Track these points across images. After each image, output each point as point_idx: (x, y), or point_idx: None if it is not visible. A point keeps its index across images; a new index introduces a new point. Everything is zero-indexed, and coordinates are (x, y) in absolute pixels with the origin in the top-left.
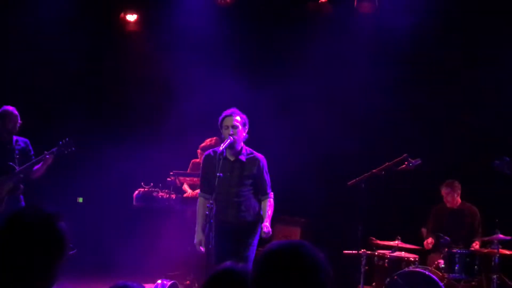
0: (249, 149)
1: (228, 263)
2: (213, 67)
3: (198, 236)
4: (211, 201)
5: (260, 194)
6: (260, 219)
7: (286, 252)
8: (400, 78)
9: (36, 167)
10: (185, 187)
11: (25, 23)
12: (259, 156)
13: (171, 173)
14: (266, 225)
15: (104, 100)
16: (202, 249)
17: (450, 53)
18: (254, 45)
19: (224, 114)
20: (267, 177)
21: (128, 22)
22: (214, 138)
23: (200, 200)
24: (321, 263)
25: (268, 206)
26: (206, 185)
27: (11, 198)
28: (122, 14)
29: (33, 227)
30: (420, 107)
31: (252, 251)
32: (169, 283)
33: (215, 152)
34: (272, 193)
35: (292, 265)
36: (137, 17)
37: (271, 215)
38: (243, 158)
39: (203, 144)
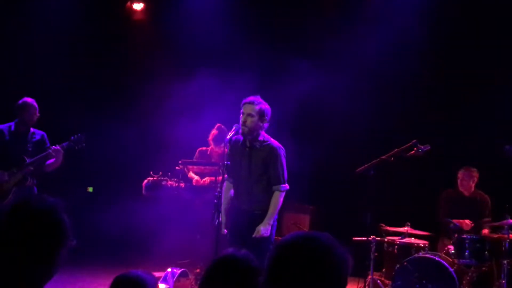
0: (267, 137)
1: (230, 249)
2: (220, 55)
3: (222, 217)
4: (218, 189)
5: (272, 184)
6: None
7: (301, 245)
8: (408, 64)
9: (49, 161)
10: (191, 174)
11: (30, 15)
12: (275, 144)
13: (180, 162)
14: (259, 229)
15: (111, 89)
16: (225, 231)
17: (464, 39)
18: (262, 31)
19: (244, 100)
20: (281, 167)
21: (135, 11)
22: (216, 125)
23: (225, 185)
24: (338, 258)
25: (274, 203)
26: (228, 172)
27: (22, 189)
28: (128, 3)
29: (35, 215)
30: (429, 92)
31: (266, 243)
32: (179, 271)
33: (236, 140)
34: (285, 185)
35: (308, 258)
36: (144, 6)
37: (275, 212)
38: (257, 145)
39: (210, 137)
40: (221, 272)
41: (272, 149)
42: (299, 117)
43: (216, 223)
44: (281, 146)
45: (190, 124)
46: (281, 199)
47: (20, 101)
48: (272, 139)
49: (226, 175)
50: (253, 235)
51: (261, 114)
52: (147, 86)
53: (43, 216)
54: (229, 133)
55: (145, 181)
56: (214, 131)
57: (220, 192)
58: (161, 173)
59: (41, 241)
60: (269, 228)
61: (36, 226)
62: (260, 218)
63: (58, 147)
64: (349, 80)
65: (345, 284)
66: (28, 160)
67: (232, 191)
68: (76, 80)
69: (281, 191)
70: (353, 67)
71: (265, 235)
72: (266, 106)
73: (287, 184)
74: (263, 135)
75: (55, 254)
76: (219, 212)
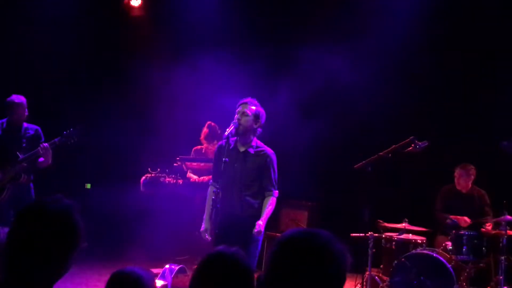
0: (260, 143)
1: (220, 247)
2: (218, 50)
3: (205, 224)
4: (217, 186)
5: (264, 190)
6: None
7: (302, 240)
8: (407, 61)
9: (40, 159)
10: (190, 174)
11: (29, 8)
12: (269, 151)
13: (178, 158)
14: (260, 223)
15: (109, 86)
16: (208, 237)
17: (463, 35)
18: (264, 21)
19: (241, 101)
20: (273, 174)
21: (133, 7)
22: (206, 124)
23: (210, 189)
24: (338, 254)
25: (268, 204)
26: (216, 174)
27: (17, 186)
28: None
29: (50, 217)
30: (428, 88)
31: (256, 246)
32: (177, 268)
33: (229, 144)
34: (276, 191)
35: (308, 254)
36: (142, 2)
37: (269, 213)
38: (251, 150)
39: (202, 136)
40: (210, 269)
41: (267, 157)
42: (296, 113)
43: (214, 219)
44: (274, 153)
45: (190, 119)
46: (274, 203)
47: (8, 100)
48: (265, 146)
49: (211, 180)
50: (255, 229)
51: (256, 116)
52: (145, 82)
53: (58, 218)
54: (227, 129)
55: (143, 177)
56: (205, 130)
57: (219, 188)
58: (159, 169)
59: (56, 243)
60: (264, 224)
61: (51, 228)
62: (251, 224)
63: (46, 145)
64: (346, 76)
65: (344, 279)
66: (21, 157)
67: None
68: (73, 77)
69: (273, 196)
70: (351, 64)
71: (261, 228)
72: (261, 110)
73: (277, 191)
74: (256, 141)
75: (68, 256)
76: (218, 209)
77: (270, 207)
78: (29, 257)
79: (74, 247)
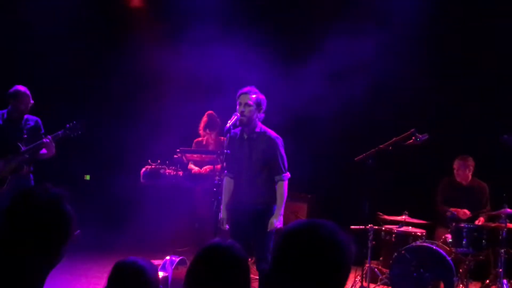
0: (264, 128)
1: (216, 239)
2: (221, 39)
3: (223, 213)
4: (217, 177)
5: (274, 174)
6: (275, 201)
7: (307, 232)
8: (407, 53)
9: (42, 151)
10: (191, 165)
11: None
12: (273, 135)
13: (178, 150)
14: (272, 221)
15: (109, 77)
16: (226, 226)
17: (464, 29)
18: (264, 17)
19: (240, 91)
20: (281, 157)
21: None
22: (206, 113)
23: (225, 179)
24: (342, 244)
25: (281, 193)
26: (228, 165)
27: (18, 177)
28: None
29: (39, 206)
30: (428, 81)
31: (270, 235)
32: (177, 259)
33: (234, 134)
34: (287, 174)
35: (313, 245)
36: None
37: (283, 202)
38: (255, 136)
39: (201, 125)
40: (205, 262)
41: (271, 140)
42: (296, 107)
43: (215, 210)
44: (279, 136)
45: (190, 110)
46: (286, 188)
47: (12, 90)
48: (269, 130)
49: (225, 171)
50: (268, 229)
51: (258, 103)
52: (145, 72)
53: (47, 208)
54: (229, 121)
55: (143, 169)
56: (204, 118)
57: (220, 180)
58: (159, 161)
59: (46, 233)
60: (281, 219)
61: (40, 218)
62: (263, 211)
63: (48, 138)
64: (345, 68)
65: (349, 270)
66: (23, 148)
67: (232, 186)
68: (72, 68)
69: (284, 180)
70: (350, 55)
71: (278, 226)
72: (262, 97)
73: (288, 173)
74: (260, 126)
75: (59, 245)
76: (219, 200)
77: (282, 197)
78: (19, 248)
79: (65, 236)
